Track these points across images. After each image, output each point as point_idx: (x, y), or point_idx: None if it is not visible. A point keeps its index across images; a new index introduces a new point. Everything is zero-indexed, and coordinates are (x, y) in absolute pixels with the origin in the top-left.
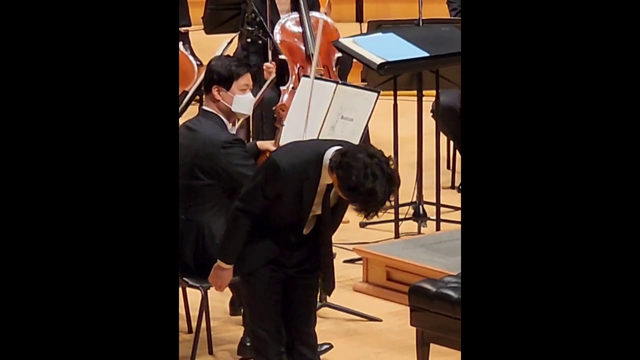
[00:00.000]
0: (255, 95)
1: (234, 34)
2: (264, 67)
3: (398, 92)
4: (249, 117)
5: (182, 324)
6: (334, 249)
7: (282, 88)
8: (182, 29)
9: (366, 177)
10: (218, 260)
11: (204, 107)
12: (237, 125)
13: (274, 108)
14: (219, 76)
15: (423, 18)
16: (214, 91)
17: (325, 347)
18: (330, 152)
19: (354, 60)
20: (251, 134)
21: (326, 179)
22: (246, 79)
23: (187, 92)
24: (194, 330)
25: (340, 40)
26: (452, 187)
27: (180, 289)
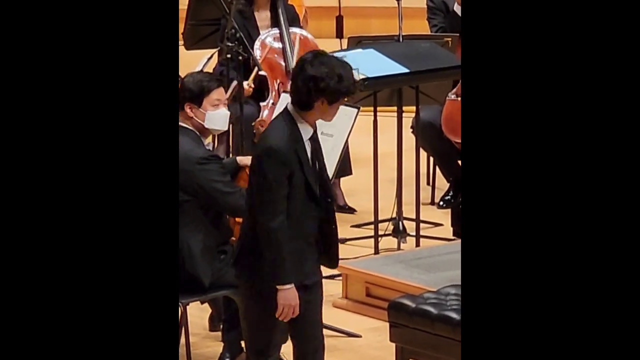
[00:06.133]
0: (231, 111)
1: (214, 50)
2: (245, 86)
3: (378, 108)
4: (228, 132)
5: None
6: None
7: (262, 104)
8: None
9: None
10: (278, 287)
11: (180, 123)
12: (208, 140)
13: (253, 124)
14: (190, 93)
15: (403, 34)
16: (187, 108)
17: None
18: (289, 104)
19: None
20: (231, 149)
21: (306, 127)
22: (218, 94)
23: None
24: None
25: None
26: (432, 203)
27: None
